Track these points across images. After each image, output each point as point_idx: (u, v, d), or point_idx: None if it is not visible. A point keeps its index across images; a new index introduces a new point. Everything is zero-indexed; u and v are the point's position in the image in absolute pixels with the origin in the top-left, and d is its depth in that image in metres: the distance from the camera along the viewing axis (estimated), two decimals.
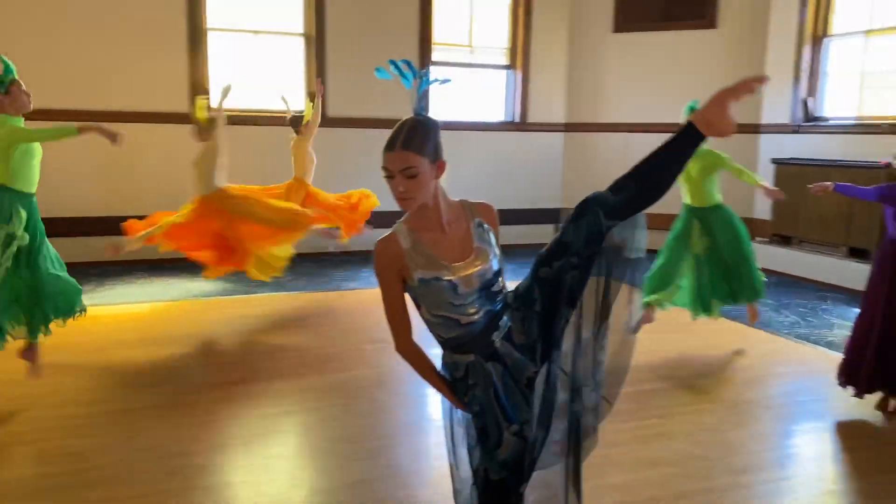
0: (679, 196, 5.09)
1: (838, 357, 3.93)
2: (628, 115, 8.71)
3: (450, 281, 1.83)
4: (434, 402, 3.83)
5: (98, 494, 2.80)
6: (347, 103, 7.94)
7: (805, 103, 7.59)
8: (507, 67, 8.82)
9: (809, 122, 7.57)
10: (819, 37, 7.49)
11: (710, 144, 2.17)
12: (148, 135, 7.02)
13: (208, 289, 6.11)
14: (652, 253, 3.21)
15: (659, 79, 8.55)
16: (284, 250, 5.47)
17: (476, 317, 1.86)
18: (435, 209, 1.87)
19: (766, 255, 7.68)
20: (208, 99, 6.11)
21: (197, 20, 7.31)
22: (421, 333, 1.95)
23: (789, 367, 4.60)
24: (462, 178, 8.19)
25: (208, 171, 5.15)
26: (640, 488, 2.92)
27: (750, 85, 1.73)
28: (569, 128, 9.05)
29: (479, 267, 1.87)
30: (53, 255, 3.82)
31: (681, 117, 8.48)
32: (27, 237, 3.58)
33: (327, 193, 6.39)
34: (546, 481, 1.93)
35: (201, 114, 5.20)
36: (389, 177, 1.80)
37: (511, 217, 7.14)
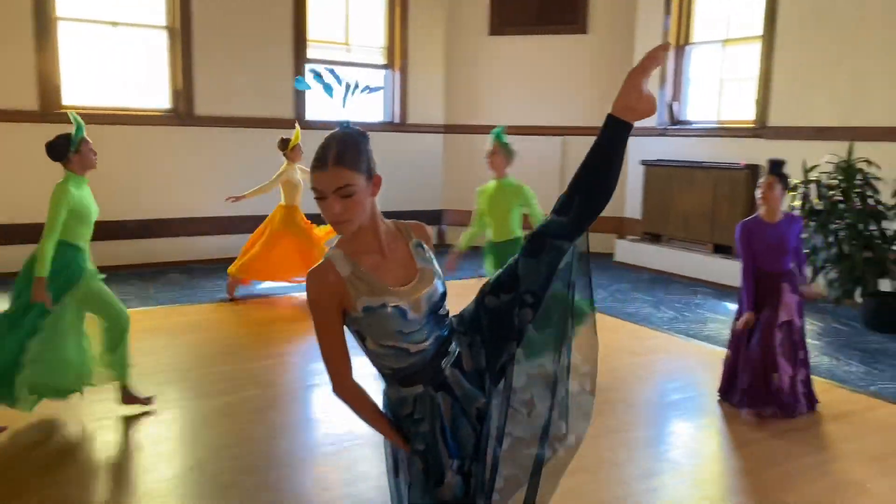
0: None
1: (719, 350, 4.11)
2: (506, 117, 8.78)
3: (397, 307, 1.68)
4: (334, 422, 3.63)
5: None
6: (216, 102, 7.49)
7: (671, 107, 7.99)
8: (385, 67, 8.68)
9: (675, 125, 7.98)
10: (682, 44, 7.91)
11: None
12: None
13: None
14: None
15: (534, 81, 8.72)
16: None
17: (426, 343, 1.72)
18: (373, 230, 1.72)
19: (639, 253, 8.04)
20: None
21: (45, 8, 6.61)
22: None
23: (678, 362, 4.79)
24: None
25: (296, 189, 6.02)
26: (562, 500, 2.88)
27: (655, 56, 1.69)
28: (448, 129, 9.04)
29: (426, 290, 1.74)
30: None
31: (553, 119, 8.88)
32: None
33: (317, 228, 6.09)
34: None
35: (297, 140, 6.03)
36: (321, 198, 1.63)
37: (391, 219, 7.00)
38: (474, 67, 8.91)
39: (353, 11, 8.40)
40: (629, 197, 8.45)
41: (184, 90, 7.36)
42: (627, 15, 8.32)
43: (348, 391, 1.73)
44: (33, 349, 3.38)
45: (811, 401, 3.88)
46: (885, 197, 5.58)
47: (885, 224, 5.51)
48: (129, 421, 3.62)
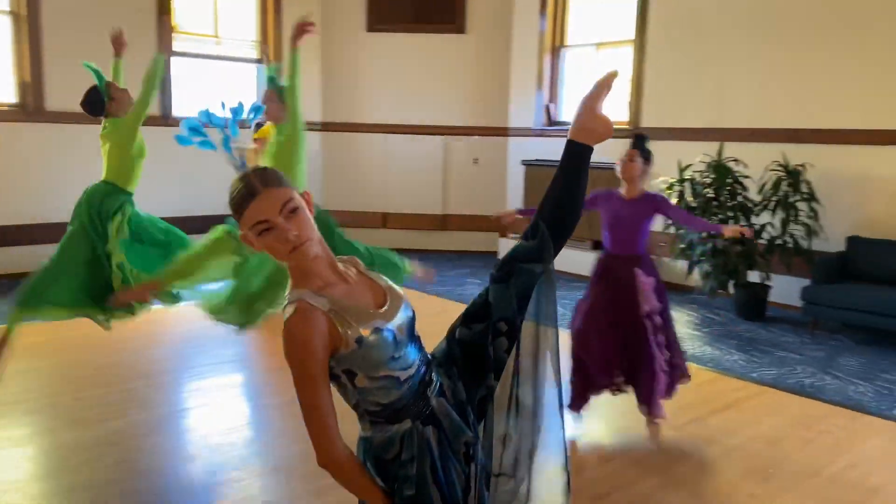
0: None
1: None
2: (385, 116, 8.68)
3: (388, 330, 1.52)
4: (235, 444, 3.36)
5: None
6: (70, 95, 6.74)
7: (547, 109, 8.17)
8: (257, 61, 8.27)
9: (552, 126, 8.17)
10: (557, 47, 8.11)
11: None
12: None
13: None
14: None
15: (414, 80, 8.63)
16: None
17: (413, 369, 1.57)
18: (327, 257, 1.55)
19: None
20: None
21: None
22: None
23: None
24: (212, 179, 7.51)
25: None
26: None
27: (607, 83, 1.67)
28: (326, 127, 8.76)
29: (402, 310, 1.60)
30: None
31: (435, 119, 8.84)
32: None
33: None
34: None
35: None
36: (270, 228, 1.45)
37: None
38: (352, 64, 8.69)
39: (223, 2, 7.93)
40: (510, 196, 8.56)
41: (32, 82, 6.63)
42: (504, 16, 8.42)
43: (339, 457, 1.47)
44: None
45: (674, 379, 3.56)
46: (752, 194, 5.96)
47: (753, 219, 5.88)
48: None
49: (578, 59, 8.03)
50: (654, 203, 3.50)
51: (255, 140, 5.82)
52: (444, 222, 8.74)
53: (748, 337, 5.44)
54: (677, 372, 3.55)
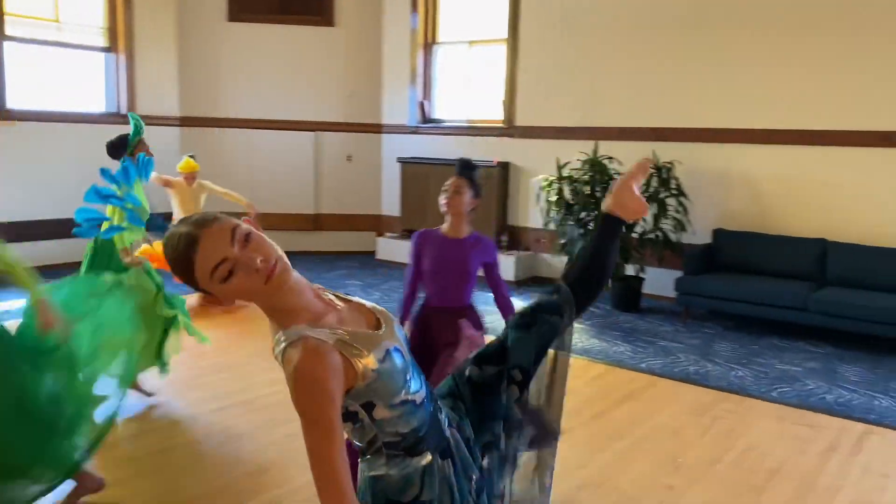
0: None
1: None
2: (250, 110, 8.23)
3: (396, 350, 1.37)
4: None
5: None
6: None
7: (422, 105, 8.09)
8: (105, 50, 7.54)
9: (426, 123, 8.09)
10: (430, 43, 8.04)
11: None
12: None
13: None
14: None
15: (282, 74, 8.24)
16: None
17: (422, 391, 1.43)
18: (307, 286, 1.37)
19: (400, 250, 8.02)
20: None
21: None
22: None
23: None
24: (60, 177, 6.78)
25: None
26: None
27: (643, 168, 1.75)
28: (185, 122, 8.17)
29: (396, 327, 1.44)
30: None
31: (305, 114, 8.48)
32: None
33: None
34: None
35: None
36: (231, 268, 1.25)
37: None
38: (213, 55, 8.15)
39: None
40: (386, 195, 8.40)
41: None
42: (374, 10, 8.23)
43: None
44: None
45: None
46: None
47: None
48: None
49: (451, 56, 8.01)
50: (484, 248, 3.01)
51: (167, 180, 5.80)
52: (316, 222, 8.43)
53: (629, 328, 5.65)
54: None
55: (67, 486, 2.63)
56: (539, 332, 1.60)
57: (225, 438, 3.45)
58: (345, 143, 8.39)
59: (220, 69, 8.20)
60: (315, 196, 8.39)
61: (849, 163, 5.63)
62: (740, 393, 4.27)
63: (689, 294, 5.73)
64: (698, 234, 6.10)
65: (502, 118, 7.46)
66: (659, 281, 6.31)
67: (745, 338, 5.39)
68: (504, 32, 7.37)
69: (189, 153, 6.22)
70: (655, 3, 6.40)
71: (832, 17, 5.59)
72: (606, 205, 1.72)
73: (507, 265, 7.02)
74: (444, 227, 3.01)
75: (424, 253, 3.02)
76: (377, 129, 8.38)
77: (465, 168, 3.03)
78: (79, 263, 3.82)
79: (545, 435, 1.66)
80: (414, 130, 8.09)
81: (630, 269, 6.23)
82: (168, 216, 6.09)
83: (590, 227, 6.06)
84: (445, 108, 8.08)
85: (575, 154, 6.40)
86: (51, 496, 2.49)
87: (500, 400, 1.57)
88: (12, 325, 2.56)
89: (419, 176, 7.89)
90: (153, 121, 7.87)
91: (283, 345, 1.27)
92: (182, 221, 1.29)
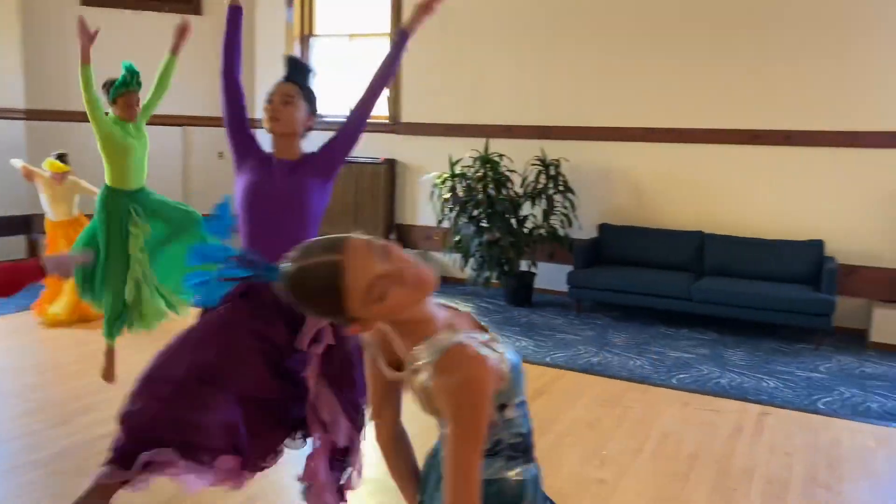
0: None
1: None
2: (106, 104, 7.53)
3: (508, 347, 1.38)
4: None
5: None
6: None
7: None
8: None
9: None
10: (306, 35, 7.73)
11: None
12: None
13: None
14: None
15: (140, 63, 7.57)
16: None
17: None
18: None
19: None
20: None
21: None
22: None
23: None
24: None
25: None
26: None
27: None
28: (31, 115, 7.35)
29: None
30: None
31: (171, 108, 7.83)
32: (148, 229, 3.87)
33: None
34: None
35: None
36: (386, 287, 1.18)
37: None
38: (64, 42, 7.36)
39: None
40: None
41: None
42: (246, 2, 7.79)
43: None
44: None
45: None
46: (518, 187, 6.25)
47: (520, 212, 6.17)
48: None
49: (330, 50, 7.74)
50: (318, 158, 2.34)
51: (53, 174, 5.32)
52: None
53: (526, 322, 5.70)
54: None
55: None
56: None
57: None
58: (216, 139, 7.88)
59: (72, 58, 7.42)
60: (183, 196, 7.82)
61: (720, 159, 5.98)
62: (643, 382, 4.40)
63: (580, 287, 5.86)
64: (585, 229, 6.26)
65: (387, 114, 7.31)
66: (549, 276, 6.42)
67: (635, 327, 5.59)
68: (386, 26, 7.22)
69: (57, 152, 5.60)
70: (532, 4, 6.50)
71: (701, 21, 5.91)
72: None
73: None
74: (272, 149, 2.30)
75: (244, 166, 2.28)
76: (251, 124, 7.93)
77: (296, 71, 2.32)
78: None
79: None
80: None
81: (523, 265, 6.29)
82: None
83: (483, 225, 6.06)
84: (326, 103, 7.79)
85: (462, 151, 6.38)
86: None
87: None
88: None
89: None
90: None
91: (438, 355, 1.18)
92: (302, 253, 1.17)
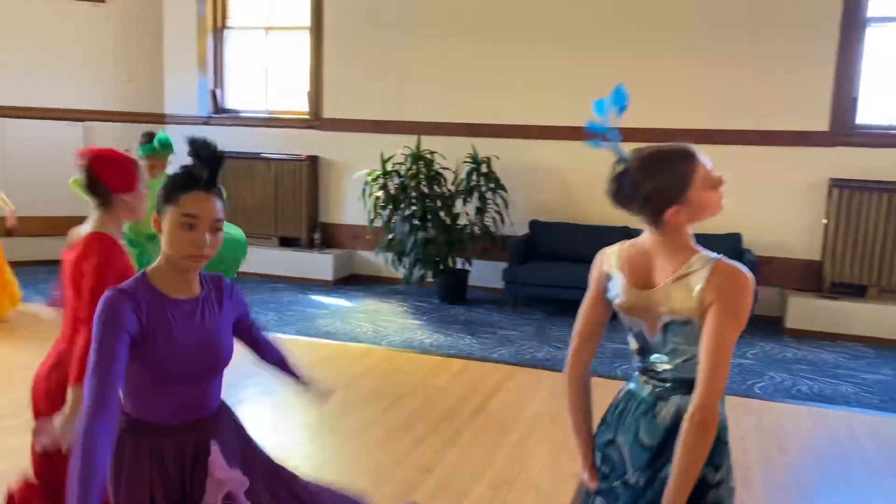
0: None
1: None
2: (8, 97, 6.94)
3: None
4: None
5: None
6: None
7: (213, 94, 7.42)
8: None
9: (220, 113, 7.44)
10: (220, 28, 7.40)
11: None
12: None
13: None
14: None
15: (36, 54, 7.04)
16: None
17: None
18: None
19: None
20: None
21: None
22: None
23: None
24: None
25: None
26: None
27: None
28: None
29: None
30: None
31: (71, 101, 7.31)
32: None
33: None
34: None
35: None
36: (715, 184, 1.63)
37: None
38: None
39: None
40: None
41: None
42: None
43: (717, 416, 1.50)
44: None
45: None
46: (451, 185, 6.24)
47: (454, 210, 6.16)
48: None
49: (246, 43, 7.44)
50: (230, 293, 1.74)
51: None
52: None
53: (464, 319, 5.70)
54: None
55: None
56: None
57: None
58: (122, 135, 7.38)
59: None
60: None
61: None
62: (595, 375, 4.48)
63: (515, 283, 5.92)
64: (516, 225, 6.34)
65: (307, 110, 7.10)
66: (479, 272, 6.46)
67: (570, 321, 5.67)
68: (304, 20, 7.01)
69: None
70: (451, 4, 6.50)
71: (624, 23, 6.11)
72: None
73: (324, 265, 6.72)
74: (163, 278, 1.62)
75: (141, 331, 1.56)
76: (160, 119, 7.52)
77: (213, 168, 1.59)
78: None
79: None
80: (205, 121, 7.39)
81: (458, 263, 6.28)
82: None
83: (415, 223, 6.01)
84: (241, 98, 7.50)
85: (389, 148, 6.30)
86: None
87: None
88: None
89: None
90: None
91: (712, 262, 1.50)
92: (647, 151, 1.58)
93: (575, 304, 6.34)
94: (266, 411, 3.74)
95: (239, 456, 1.72)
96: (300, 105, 7.19)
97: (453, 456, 3.29)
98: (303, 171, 6.96)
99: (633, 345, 1.68)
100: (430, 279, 6.24)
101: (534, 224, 6.33)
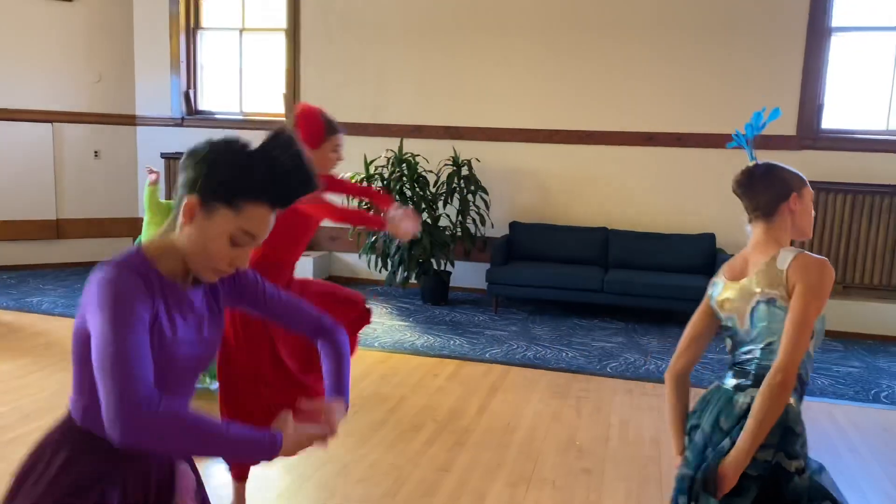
0: None
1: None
2: None
3: None
4: None
5: None
6: None
7: (187, 96, 7.32)
8: None
9: (194, 115, 7.35)
10: (193, 28, 7.30)
11: None
12: None
13: None
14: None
15: (3, 53, 6.83)
16: None
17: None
18: None
19: None
20: None
21: None
22: None
23: None
24: None
25: None
26: None
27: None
28: None
29: None
30: None
31: (39, 102, 7.09)
32: None
33: None
34: None
35: None
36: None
37: None
38: None
39: None
40: (143, 194, 7.44)
41: None
42: None
43: (794, 379, 1.68)
44: None
45: None
46: (430, 187, 6.30)
47: (437, 212, 6.24)
48: None
49: (220, 44, 7.35)
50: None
51: None
52: (58, 229, 7.17)
53: (450, 320, 5.78)
54: None
55: None
56: None
57: None
58: (91, 137, 7.26)
59: None
60: (56, 199, 7.14)
61: (617, 159, 6.38)
62: (581, 372, 4.63)
63: (497, 283, 6.02)
64: (497, 227, 6.44)
65: (284, 112, 7.07)
66: (459, 273, 6.55)
67: (551, 321, 5.85)
68: (280, 22, 6.98)
69: None
70: (429, 6, 6.57)
71: (601, 30, 6.27)
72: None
73: (304, 267, 6.71)
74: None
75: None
76: (130, 120, 7.39)
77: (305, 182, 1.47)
78: None
79: None
80: (179, 123, 7.29)
81: (440, 264, 6.35)
82: None
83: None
84: (216, 100, 7.41)
85: (368, 150, 6.34)
86: None
87: None
88: None
89: None
90: None
91: (795, 252, 1.73)
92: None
93: (555, 304, 6.60)
94: None
95: (199, 488, 1.48)
96: (276, 107, 7.16)
97: (466, 455, 3.37)
98: None
99: (728, 345, 1.87)
100: (413, 280, 6.29)
101: (513, 225, 6.44)
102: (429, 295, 6.28)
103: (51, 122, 6.99)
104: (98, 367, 1.16)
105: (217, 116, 7.36)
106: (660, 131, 6.23)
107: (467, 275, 6.58)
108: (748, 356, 1.78)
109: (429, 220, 6.12)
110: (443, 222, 6.30)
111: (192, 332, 1.33)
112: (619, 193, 6.40)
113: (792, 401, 1.72)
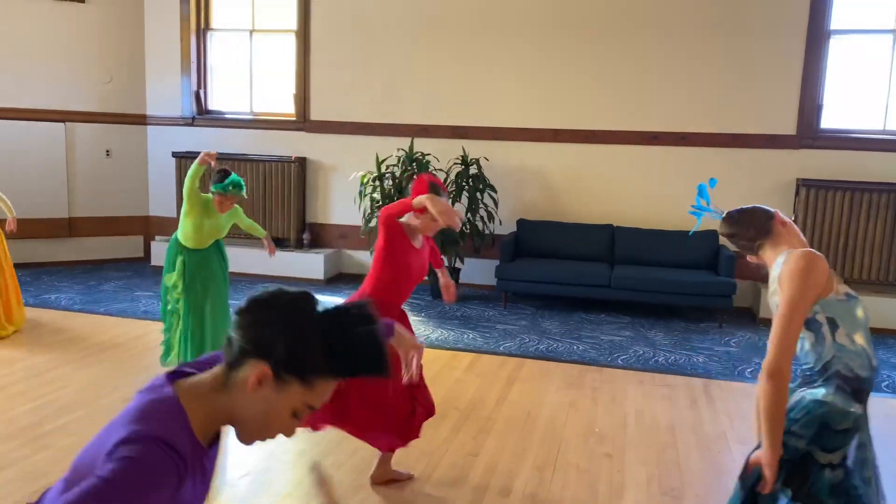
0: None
1: None
2: None
3: (859, 302, 1.93)
4: None
5: None
6: None
7: (198, 96, 7.42)
8: None
9: (204, 114, 7.46)
10: (202, 29, 7.40)
11: None
12: None
13: None
14: None
15: (16, 55, 6.92)
16: None
17: (874, 362, 1.87)
18: None
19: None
20: None
21: None
22: None
23: None
24: None
25: None
26: None
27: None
28: None
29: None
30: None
31: (53, 102, 7.17)
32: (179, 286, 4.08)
33: None
34: None
35: None
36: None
37: None
38: None
39: None
40: (156, 193, 7.58)
41: None
42: None
43: (787, 374, 1.74)
44: None
45: None
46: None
47: None
48: None
49: (230, 45, 7.46)
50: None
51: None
52: (70, 227, 7.27)
53: (461, 315, 5.92)
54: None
55: None
56: None
57: None
58: (103, 136, 7.36)
59: None
60: (68, 197, 7.23)
61: (623, 158, 6.55)
62: (594, 364, 4.78)
63: (506, 280, 6.17)
64: (505, 224, 6.59)
65: (293, 112, 7.19)
66: (468, 270, 6.69)
67: (560, 315, 6.00)
68: (291, 23, 7.10)
69: None
70: (437, 10, 6.71)
71: (605, 30, 6.42)
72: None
73: (316, 264, 6.84)
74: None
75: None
76: (141, 120, 7.49)
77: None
78: None
79: None
80: (189, 122, 7.40)
81: (450, 261, 6.49)
82: None
83: None
84: (226, 100, 7.52)
85: (377, 149, 6.47)
86: None
87: None
88: None
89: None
90: None
91: (784, 257, 1.88)
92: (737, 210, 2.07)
93: (562, 299, 6.78)
94: None
95: None
96: (286, 107, 7.28)
97: (492, 441, 3.52)
98: (291, 172, 7.05)
99: None
100: (427, 277, 6.42)
101: (520, 223, 6.59)
102: (439, 291, 6.39)
103: (63, 121, 7.09)
104: None
105: (227, 116, 7.47)
106: (664, 131, 6.40)
107: (476, 271, 6.72)
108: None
109: None
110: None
111: (194, 493, 1.21)
112: (625, 191, 6.56)
113: (831, 398, 1.77)
